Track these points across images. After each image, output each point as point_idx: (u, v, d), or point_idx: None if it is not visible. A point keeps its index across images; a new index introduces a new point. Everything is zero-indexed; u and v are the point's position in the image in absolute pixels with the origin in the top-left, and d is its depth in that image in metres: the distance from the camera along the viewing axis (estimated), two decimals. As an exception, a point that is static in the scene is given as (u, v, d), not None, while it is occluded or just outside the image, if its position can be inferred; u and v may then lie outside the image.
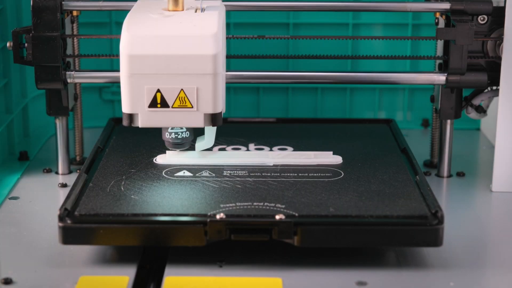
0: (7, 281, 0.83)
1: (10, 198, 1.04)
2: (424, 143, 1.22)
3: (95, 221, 0.86)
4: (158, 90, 0.92)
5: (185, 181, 0.96)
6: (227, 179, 0.97)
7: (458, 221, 0.99)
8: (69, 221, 0.86)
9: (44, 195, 1.06)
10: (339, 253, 0.89)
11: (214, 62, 0.91)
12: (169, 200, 0.91)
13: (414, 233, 0.86)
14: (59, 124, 1.11)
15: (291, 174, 0.98)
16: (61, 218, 0.86)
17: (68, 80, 1.06)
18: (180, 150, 1.02)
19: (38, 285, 0.83)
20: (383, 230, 0.86)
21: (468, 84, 1.06)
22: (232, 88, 1.34)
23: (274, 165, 1.01)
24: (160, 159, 1.02)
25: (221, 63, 0.93)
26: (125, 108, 0.94)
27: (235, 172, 0.99)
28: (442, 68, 1.08)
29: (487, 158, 1.20)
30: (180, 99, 0.93)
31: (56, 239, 0.87)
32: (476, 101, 1.10)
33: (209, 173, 0.98)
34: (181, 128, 1.00)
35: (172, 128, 1.00)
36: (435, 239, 0.86)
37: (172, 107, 0.93)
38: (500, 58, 1.05)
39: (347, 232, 0.86)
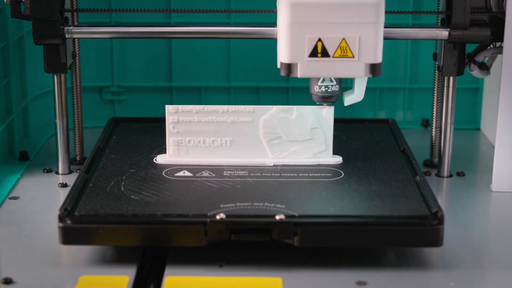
0: (7, 281, 0.83)
1: (10, 198, 1.04)
2: (424, 143, 1.22)
3: (95, 221, 0.86)
4: (319, 39, 0.92)
5: (185, 181, 0.96)
6: (227, 179, 0.97)
7: (458, 221, 0.99)
8: (69, 221, 0.86)
9: (44, 195, 1.06)
10: (339, 253, 0.89)
11: (377, 11, 0.92)
12: (169, 200, 0.91)
13: (414, 233, 0.86)
14: (59, 124, 1.11)
15: (291, 174, 0.98)
16: (61, 218, 0.86)
17: (66, 36, 1.05)
18: (328, 103, 1.00)
19: (38, 285, 0.84)
20: (383, 230, 0.86)
21: (471, 39, 1.05)
22: (232, 88, 1.34)
23: (274, 165, 1.01)
24: (160, 159, 1.02)
25: (383, 12, 0.93)
26: (284, 58, 0.94)
27: (235, 172, 0.99)
28: (445, 23, 1.07)
29: (487, 158, 1.20)
30: (342, 48, 0.92)
31: (56, 239, 0.87)
32: (479, 58, 1.09)
33: (209, 173, 0.98)
34: (331, 81, 0.99)
35: (322, 81, 0.99)
36: (435, 239, 0.86)
37: (333, 56, 0.93)
38: (503, 13, 1.03)
39: (347, 232, 0.86)
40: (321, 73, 0.95)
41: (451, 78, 1.09)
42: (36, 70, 1.25)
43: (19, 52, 1.22)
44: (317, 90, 1.00)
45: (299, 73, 0.94)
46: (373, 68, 0.94)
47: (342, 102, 1.33)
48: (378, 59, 0.94)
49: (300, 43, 0.93)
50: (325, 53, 0.93)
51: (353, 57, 0.93)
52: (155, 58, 1.33)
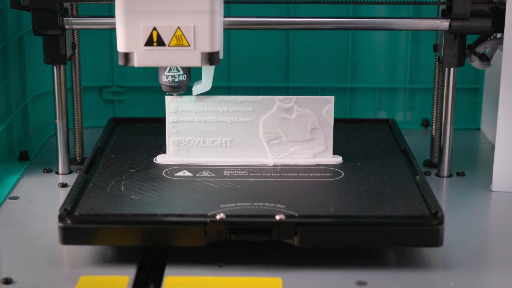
0: (7, 281, 0.83)
1: (10, 198, 1.04)
2: (424, 143, 1.22)
3: (95, 221, 0.86)
4: (154, 28, 0.92)
5: (185, 181, 0.96)
6: (227, 179, 0.97)
7: (458, 221, 0.99)
8: (69, 221, 0.86)
9: (44, 195, 1.06)
10: (339, 253, 0.89)
11: (211, 0, 0.92)
12: (169, 200, 0.91)
13: (414, 233, 0.86)
14: (59, 124, 1.11)
15: (291, 174, 0.98)
16: (61, 218, 0.86)
17: (66, 26, 1.05)
18: (177, 94, 1.01)
19: (38, 285, 0.84)
20: (383, 230, 0.86)
21: (472, 30, 1.05)
22: (232, 88, 1.34)
23: (274, 165, 1.01)
24: (160, 159, 1.02)
25: (218, 0, 0.93)
26: (121, 47, 0.94)
27: (235, 172, 0.99)
28: (446, 14, 1.06)
29: (487, 158, 1.20)
30: (177, 37, 0.92)
31: (56, 239, 0.87)
32: (480, 49, 1.08)
33: (209, 173, 0.98)
34: (178, 71, 0.99)
35: (169, 71, 0.99)
36: (435, 239, 0.86)
37: (168, 45, 0.93)
38: (504, 4, 1.03)
39: (347, 232, 0.86)
40: (157, 62, 0.95)
41: (451, 76, 1.09)
42: (36, 70, 1.25)
43: (19, 52, 1.22)
44: (165, 80, 1.00)
45: (136, 62, 0.94)
46: (210, 57, 0.94)
47: (342, 104, 1.35)
48: (215, 47, 0.94)
49: (135, 32, 0.93)
50: (160, 42, 0.93)
51: (189, 45, 0.93)
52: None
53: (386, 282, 0.85)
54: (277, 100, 1.02)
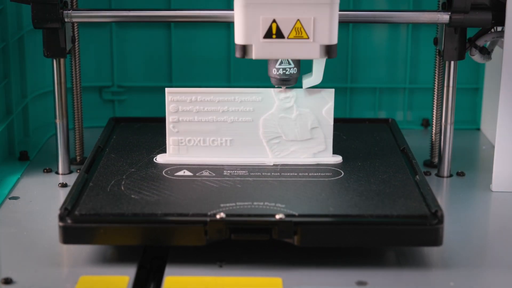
0: (7, 281, 0.83)
1: (10, 198, 1.04)
2: (424, 143, 1.22)
3: (95, 221, 0.86)
4: (274, 20, 0.92)
5: (185, 181, 0.96)
6: (227, 178, 0.97)
7: (458, 221, 0.99)
8: (69, 221, 0.86)
9: (44, 195, 1.06)
10: (339, 253, 0.89)
11: None
12: (169, 199, 0.91)
13: (414, 233, 0.86)
14: (59, 124, 1.11)
15: (291, 174, 0.98)
16: (61, 218, 0.86)
17: (66, 19, 1.05)
18: (287, 86, 1.01)
19: (38, 285, 0.84)
20: (383, 230, 0.86)
21: (472, 23, 1.04)
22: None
23: (274, 165, 1.01)
24: (160, 159, 1.02)
25: None
26: (239, 39, 0.94)
27: (235, 171, 0.99)
28: (446, 7, 1.06)
29: (487, 158, 1.20)
30: (296, 29, 0.93)
31: (56, 239, 0.87)
32: (480, 42, 1.08)
33: (209, 173, 0.98)
34: (289, 64, 0.99)
35: (280, 64, 0.99)
36: (435, 239, 0.86)
37: (287, 38, 0.93)
38: None
39: (347, 232, 0.86)
40: (275, 54, 0.95)
41: (451, 72, 1.09)
42: (36, 70, 1.26)
43: (19, 52, 1.22)
44: (275, 73, 1.00)
45: (254, 54, 0.94)
46: (329, 50, 0.94)
47: (342, 103, 1.35)
48: (333, 40, 0.94)
49: (254, 24, 0.93)
50: (279, 34, 0.93)
51: (308, 38, 0.93)
52: (155, 58, 1.33)
53: (386, 282, 0.85)
54: (278, 99, 1.02)
